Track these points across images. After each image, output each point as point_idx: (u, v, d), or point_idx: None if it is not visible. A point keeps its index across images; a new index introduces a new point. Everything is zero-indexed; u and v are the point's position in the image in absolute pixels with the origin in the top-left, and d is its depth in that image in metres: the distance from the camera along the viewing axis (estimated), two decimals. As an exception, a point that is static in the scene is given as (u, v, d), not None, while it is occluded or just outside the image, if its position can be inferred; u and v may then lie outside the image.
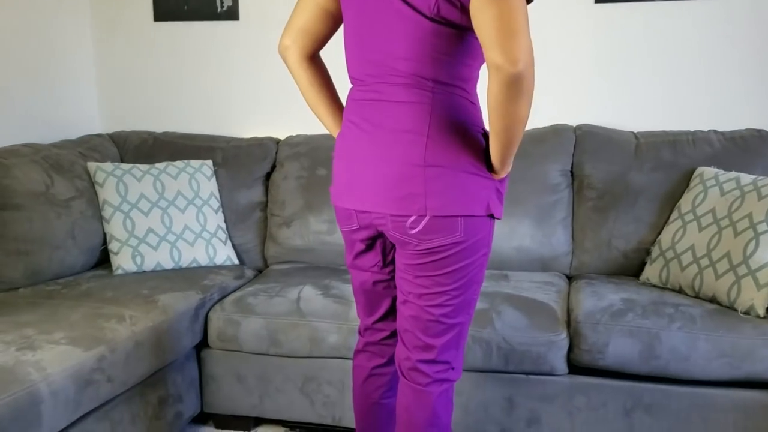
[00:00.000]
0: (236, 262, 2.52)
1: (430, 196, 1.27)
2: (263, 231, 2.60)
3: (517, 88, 1.14)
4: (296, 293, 2.12)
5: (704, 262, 1.94)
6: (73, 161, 2.39)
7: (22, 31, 2.55)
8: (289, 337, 2.02)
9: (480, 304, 1.98)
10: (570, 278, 2.33)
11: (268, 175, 2.65)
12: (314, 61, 1.48)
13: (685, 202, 2.11)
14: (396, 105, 1.30)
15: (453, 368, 1.39)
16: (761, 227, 1.85)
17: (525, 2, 1.16)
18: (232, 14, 2.81)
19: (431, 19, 1.23)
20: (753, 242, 1.84)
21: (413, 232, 1.31)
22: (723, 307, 1.88)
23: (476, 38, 1.22)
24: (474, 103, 1.34)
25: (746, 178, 2.02)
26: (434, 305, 1.35)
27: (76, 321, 1.75)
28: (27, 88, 2.59)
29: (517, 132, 1.23)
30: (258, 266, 2.58)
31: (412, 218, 1.29)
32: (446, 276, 1.33)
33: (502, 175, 1.33)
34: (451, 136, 1.28)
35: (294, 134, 2.72)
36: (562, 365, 1.89)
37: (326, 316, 2.01)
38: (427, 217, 1.28)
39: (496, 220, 1.36)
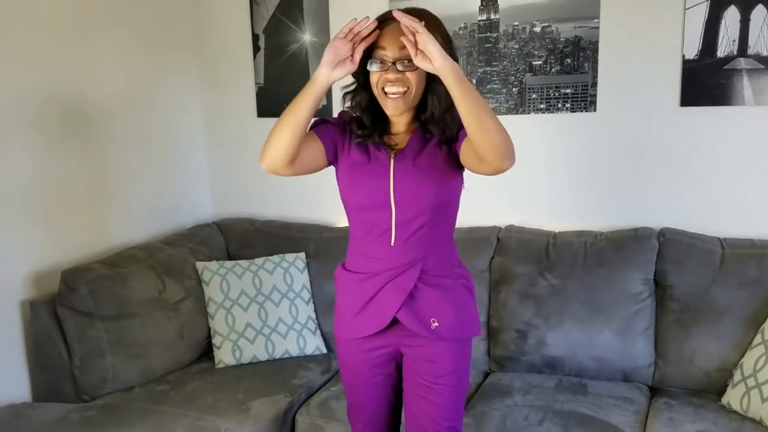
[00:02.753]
0: (324, 351, 2.70)
1: None
2: (352, 320, 2.76)
3: None
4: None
5: (786, 398, 1.89)
6: (184, 260, 2.66)
7: (146, 132, 2.89)
8: (367, 447, 2.15)
9: (554, 428, 2.03)
10: (652, 390, 2.32)
11: (357, 266, 2.81)
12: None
13: (769, 328, 2.06)
14: None
15: None
16: None
17: None
18: (325, 112, 3.00)
19: None
20: (837, 387, 1.78)
21: None
22: (804, 450, 1.83)
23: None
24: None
25: (835, 310, 1.95)
26: None
27: (178, 437, 1.99)
28: (151, 180, 2.93)
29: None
30: (346, 354, 2.74)
31: None
32: None
33: None
34: None
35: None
36: (632, 498, 1.90)
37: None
38: None
39: (341, 339, 1.75)
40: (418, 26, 1.40)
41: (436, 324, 1.64)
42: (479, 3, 2.65)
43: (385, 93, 1.56)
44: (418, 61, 1.44)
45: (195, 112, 3.20)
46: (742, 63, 2.35)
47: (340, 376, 1.85)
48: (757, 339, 2.08)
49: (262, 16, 3.05)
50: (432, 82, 1.58)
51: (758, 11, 2.30)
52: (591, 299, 2.37)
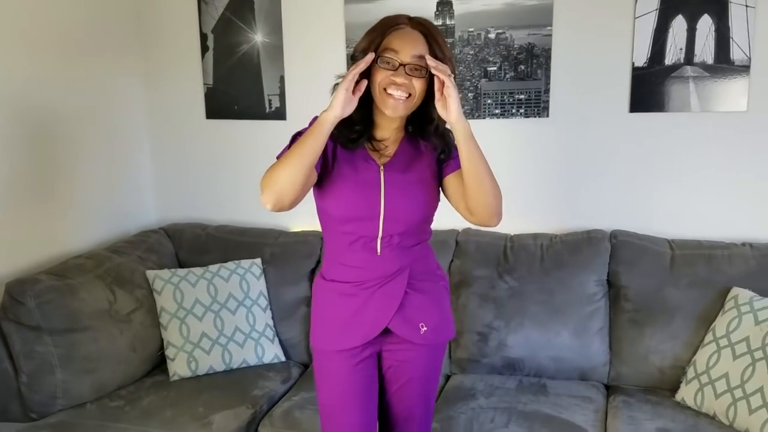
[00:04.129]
0: (283, 359, 2.65)
1: None
2: (308, 326, 2.69)
3: None
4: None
5: (738, 393, 1.98)
6: (133, 269, 2.55)
7: (87, 135, 2.75)
8: (334, 456, 2.12)
9: (520, 430, 2.06)
10: (607, 387, 2.38)
11: (312, 271, 2.77)
12: None
13: (719, 326, 2.16)
14: None
15: None
16: (795, 367, 1.89)
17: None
18: (280, 114, 2.96)
19: None
20: (786, 381, 1.88)
21: None
22: (757, 442, 1.92)
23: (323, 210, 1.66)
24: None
25: (781, 307, 2.06)
26: None
27: (141, 456, 1.90)
28: (93, 185, 2.79)
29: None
30: (303, 360, 2.70)
31: None
32: None
33: None
34: None
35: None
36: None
37: (370, 436, 2.11)
38: None
39: (324, 351, 1.69)
40: (447, 78, 1.45)
41: (425, 329, 1.67)
42: (435, 8, 2.67)
43: (387, 93, 1.53)
44: (439, 107, 1.49)
45: (139, 114, 3.08)
46: (688, 71, 2.45)
47: (319, 393, 1.75)
48: (709, 337, 2.17)
49: (211, 16, 2.96)
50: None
51: (704, 21, 2.40)
52: (548, 301, 2.42)
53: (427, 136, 1.64)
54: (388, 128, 1.65)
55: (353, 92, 1.49)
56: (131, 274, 2.53)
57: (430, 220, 1.72)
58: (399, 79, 1.51)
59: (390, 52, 1.52)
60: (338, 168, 1.61)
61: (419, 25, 1.57)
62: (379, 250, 1.63)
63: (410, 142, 1.67)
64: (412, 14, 1.61)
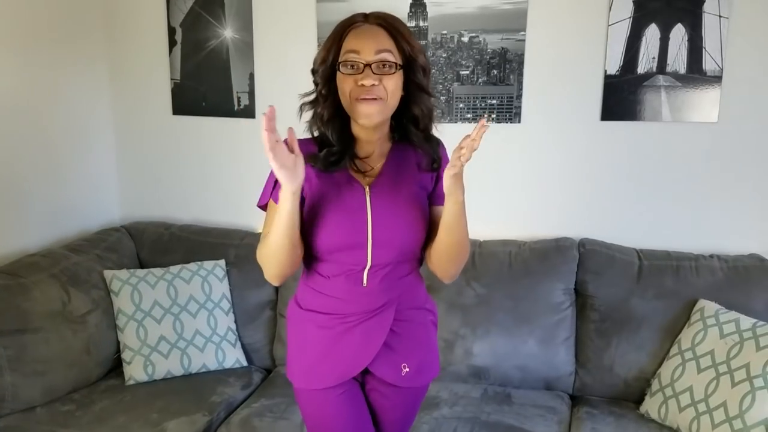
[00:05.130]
0: (245, 363, 2.58)
1: None
2: (272, 330, 2.66)
3: None
4: (300, 415, 2.17)
5: (702, 407, 1.97)
6: (90, 269, 2.47)
7: (48, 129, 2.66)
8: (292, 466, 2.07)
9: (482, 441, 2.03)
10: (572, 398, 2.36)
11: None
12: None
13: (685, 338, 2.14)
14: None
15: None
16: (758, 382, 1.88)
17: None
18: (248, 112, 2.89)
19: None
20: (749, 396, 1.87)
21: None
22: (719, 458, 1.90)
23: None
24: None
25: (746, 322, 2.04)
26: None
27: (88, 464, 1.83)
28: (52, 181, 2.69)
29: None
30: (266, 365, 2.64)
31: None
32: None
33: None
34: None
35: (305, 234, 2.78)
36: None
37: (329, 445, 2.06)
38: None
39: (318, 390, 1.52)
40: (467, 154, 1.30)
41: (407, 369, 1.54)
42: (408, 9, 2.63)
43: (358, 101, 1.38)
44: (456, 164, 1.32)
45: (104, 108, 2.99)
46: (660, 80, 2.44)
47: (307, 426, 1.62)
48: (674, 349, 2.15)
49: (180, 9, 2.89)
50: (416, 90, 1.45)
51: (677, 30, 2.39)
52: (516, 309, 2.39)
53: (411, 139, 1.50)
54: (371, 141, 1.48)
55: (291, 151, 1.30)
56: (88, 274, 2.44)
57: (423, 244, 1.53)
58: (367, 81, 1.36)
59: (351, 54, 1.38)
60: (320, 196, 1.44)
61: (377, 18, 1.42)
62: (365, 282, 1.46)
63: (398, 153, 1.51)
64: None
